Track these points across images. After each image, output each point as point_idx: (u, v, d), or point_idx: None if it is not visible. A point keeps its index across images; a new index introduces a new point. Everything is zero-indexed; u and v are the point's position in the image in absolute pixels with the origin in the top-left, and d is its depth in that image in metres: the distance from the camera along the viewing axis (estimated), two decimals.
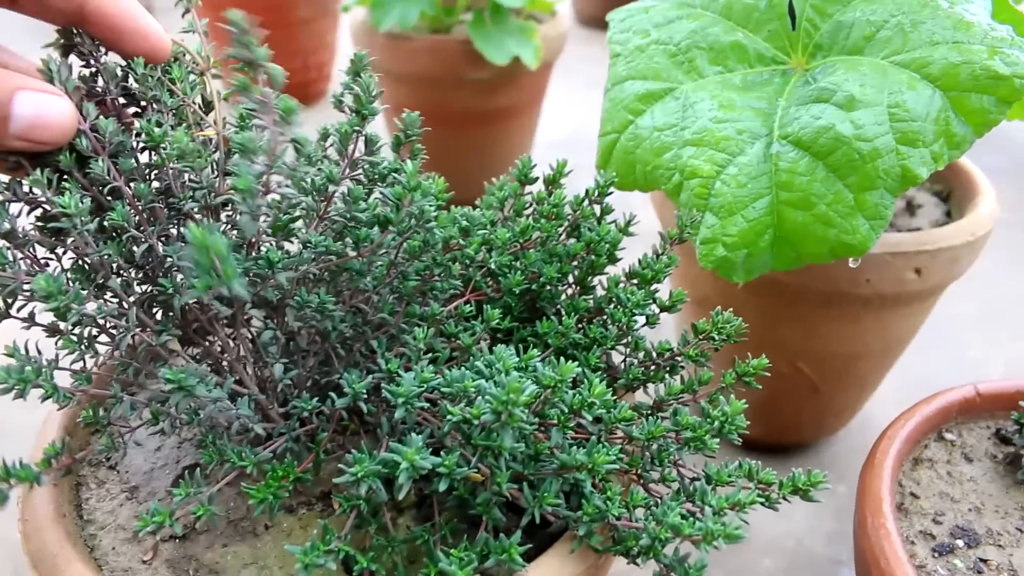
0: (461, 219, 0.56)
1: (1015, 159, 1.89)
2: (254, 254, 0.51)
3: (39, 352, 0.49)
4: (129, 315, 0.48)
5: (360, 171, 0.53)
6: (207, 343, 0.55)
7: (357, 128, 0.50)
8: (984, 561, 0.65)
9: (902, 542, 0.63)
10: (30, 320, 0.51)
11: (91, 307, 0.48)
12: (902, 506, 0.70)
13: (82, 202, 0.47)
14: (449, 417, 0.46)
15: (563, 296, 0.65)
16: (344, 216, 0.52)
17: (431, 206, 0.49)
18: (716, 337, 0.58)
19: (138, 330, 0.49)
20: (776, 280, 0.85)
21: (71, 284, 0.48)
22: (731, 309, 0.59)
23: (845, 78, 0.68)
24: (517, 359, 0.49)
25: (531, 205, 0.65)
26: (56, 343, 0.50)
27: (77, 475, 0.60)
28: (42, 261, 0.50)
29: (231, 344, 0.52)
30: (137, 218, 0.50)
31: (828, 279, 0.85)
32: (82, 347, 0.51)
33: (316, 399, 0.53)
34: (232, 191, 0.45)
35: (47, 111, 0.48)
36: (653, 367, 0.61)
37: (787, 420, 1.08)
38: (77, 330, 0.50)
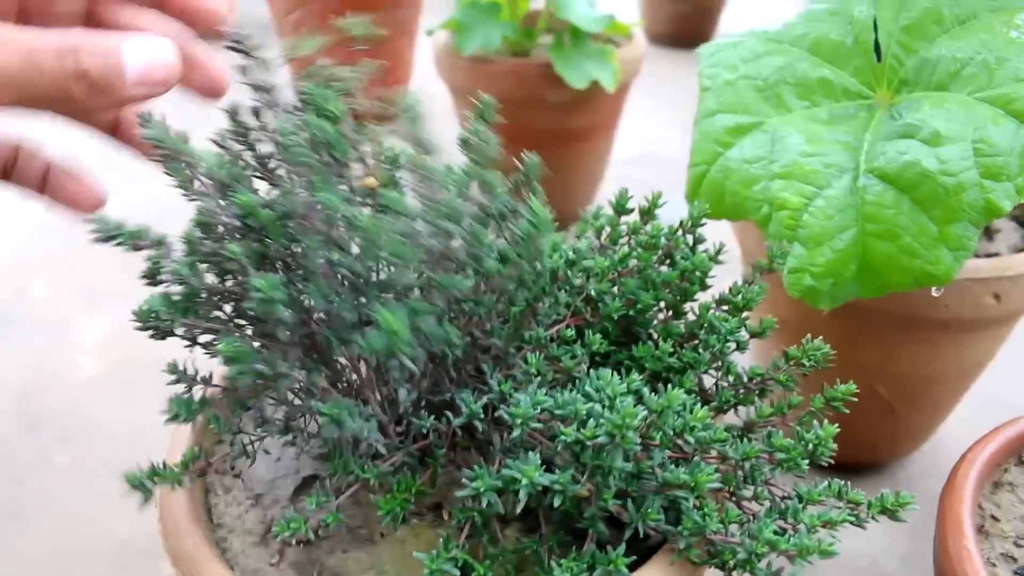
0: (568, 251, 0.60)
1: None
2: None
3: (196, 370, 0.54)
4: (290, 361, 0.52)
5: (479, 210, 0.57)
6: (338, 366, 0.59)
7: (480, 170, 0.54)
8: None
9: (983, 563, 0.65)
10: (192, 341, 0.54)
11: (261, 366, 0.51)
12: (982, 528, 0.72)
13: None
14: (563, 438, 0.50)
15: (655, 321, 0.68)
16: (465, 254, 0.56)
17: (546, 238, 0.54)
18: (806, 363, 0.61)
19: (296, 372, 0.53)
20: (856, 304, 0.87)
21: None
22: (811, 332, 0.62)
23: (931, 114, 0.71)
24: (622, 383, 0.53)
25: (628, 235, 0.69)
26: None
27: (206, 482, 0.65)
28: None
29: (362, 370, 0.56)
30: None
31: (908, 304, 0.87)
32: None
33: (432, 417, 0.57)
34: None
35: (155, 54, 0.50)
36: (743, 390, 0.64)
37: (862, 440, 1.10)
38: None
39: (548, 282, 0.59)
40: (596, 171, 1.65)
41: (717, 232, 0.70)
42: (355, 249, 0.52)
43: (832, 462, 0.57)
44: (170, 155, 0.50)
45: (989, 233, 1.02)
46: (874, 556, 1.04)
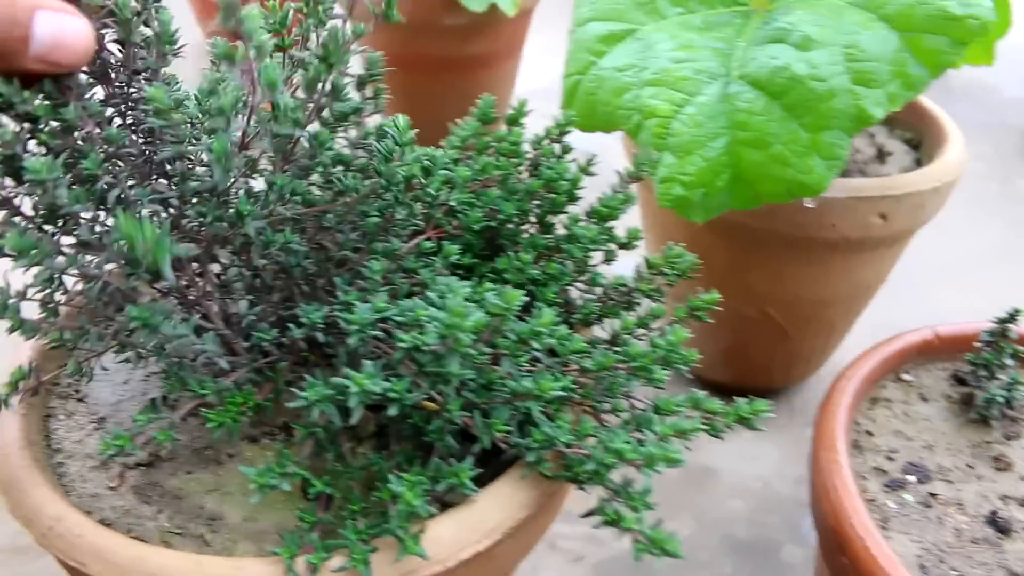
0: (424, 159, 0.57)
1: (992, 111, 1.89)
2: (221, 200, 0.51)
3: (7, 283, 0.50)
4: (99, 260, 0.49)
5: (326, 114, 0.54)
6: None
7: (324, 76, 0.50)
8: (933, 495, 0.67)
9: (854, 477, 0.65)
10: None
11: (61, 260, 0.47)
12: (857, 443, 0.71)
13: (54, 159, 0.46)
14: (401, 344, 0.47)
15: (523, 235, 0.66)
16: (309, 158, 0.53)
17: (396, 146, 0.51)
18: (669, 272, 0.59)
19: (108, 272, 0.49)
20: (743, 224, 0.86)
21: (40, 235, 0.47)
22: (697, 256, 0.61)
23: (802, 18, 0.69)
24: (470, 290, 0.51)
25: (492, 145, 0.66)
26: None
27: (46, 407, 0.61)
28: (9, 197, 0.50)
29: (197, 281, 0.53)
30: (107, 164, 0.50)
31: (794, 223, 0.86)
32: (51, 284, 0.51)
33: (277, 331, 0.54)
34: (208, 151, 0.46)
35: (67, 31, 0.45)
36: (610, 302, 0.62)
37: (756, 365, 1.10)
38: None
39: (402, 191, 0.56)
40: (499, 102, 1.62)
41: (607, 148, 0.68)
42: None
43: (717, 386, 0.55)
44: None
45: (881, 155, 1.01)
46: (767, 479, 1.04)
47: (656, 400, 0.55)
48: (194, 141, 0.52)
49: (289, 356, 0.56)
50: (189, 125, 0.53)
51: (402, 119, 0.50)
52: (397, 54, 0.53)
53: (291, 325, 0.53)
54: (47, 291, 0.51)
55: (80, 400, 0.62)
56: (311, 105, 0.50)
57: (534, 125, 0.64)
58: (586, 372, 0.55)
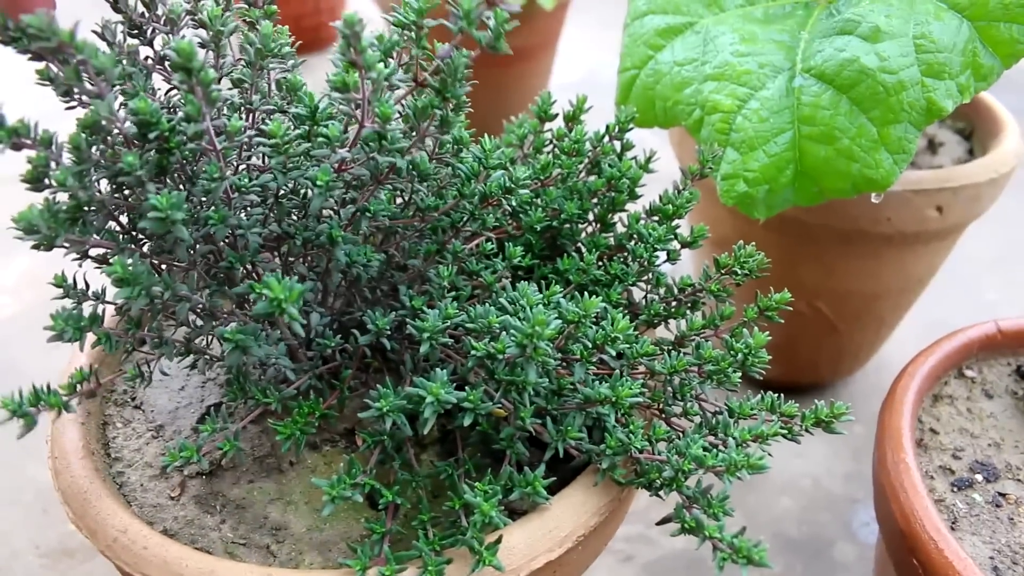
0: (505, 179, 0.55)
1: None
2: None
3: (87, 284, 0.49)
4: (189, 282, 0.47)
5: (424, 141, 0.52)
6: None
7: (439, 108, 0.49)
8: (1003, 495, 0.65)
9: (921, 477, 0.63)
10: (82, 255, 0.49)
11: (158, 289, 0.46)
12: (921, 442, 0.70)
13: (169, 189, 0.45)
14: (473, 352, 0.46)
15: (583, 234, 0.65)
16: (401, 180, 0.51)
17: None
18: (738, 272, 0.58)
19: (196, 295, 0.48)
20: (796, 218, 0.85)
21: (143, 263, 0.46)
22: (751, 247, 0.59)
23: (870, 9, 0.67)
24: (540, 295, 0.49)
25: (551, 142, 0.65)
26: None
27: (104, 414, 0.61)
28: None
29: None
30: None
31: (848, 217, 0.84)
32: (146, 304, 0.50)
33: (339, 337, 0.53)
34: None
35: None
36: (675, 303, 0.61)
37: (805, 360, 1.08)
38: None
39: (478, 208, 0.54)
40: (536, 92, 1.60)
41: (655, 145, 0.67)
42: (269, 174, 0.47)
43: (766, 383, 0.54)
44: (53, 49, 0.41)
45: (933, 146, 0.99)
46: (817, 476, 1.02)
47: (730, 403, 0.54)
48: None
49: (352, 363, 0.55)
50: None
51: (489, 141, 0.49)
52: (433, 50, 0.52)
53: (355, 331, 0.52)
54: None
55: (137, 407, 0.62)
56: (415, 133, 0.49)
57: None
58: (655, 375, 0.54)
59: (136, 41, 0.54)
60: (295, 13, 1.97)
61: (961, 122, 1.03)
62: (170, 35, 0.54)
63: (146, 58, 0.54)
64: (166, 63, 0.53)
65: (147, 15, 0.52)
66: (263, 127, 0.50)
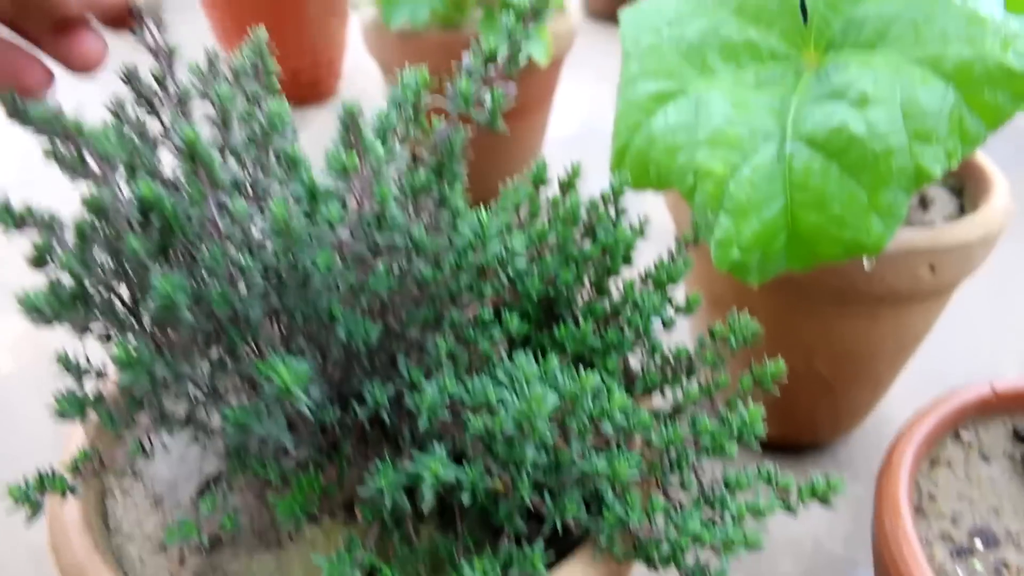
0: (503, 251, 0.56)
1: None
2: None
3: (88, 360, 0.49)
4: (191, 359, 0.48)
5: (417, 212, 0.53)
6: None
7: (436, 187, 0.50)
8: (1005, 564, 0.65)
9: (921, 544, 0.63)
10: (82, 328, 0.49)
11: (161, 369, 0.46)
12: (920, 508, 0.70)
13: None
14: (472, 428, 0.46)
15: (579, 299, 0.65)
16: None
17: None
18: (733, 341, 0.58)
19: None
20: (791, 278, 0.85)
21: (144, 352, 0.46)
22: (746, 308, 0.60)
23: (858, 75, 0.68)
24: (537, 368, 0.50)
25: (546, 209, 0.65)
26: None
27: (103, 485, 0.61)
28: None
29: None
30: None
31: (842, 277, 0.85)
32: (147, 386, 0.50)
33: (338, 408, 0.53)
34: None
35: None
36: (670, 371, 0.61)
37: (802, 419, 1.08)
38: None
39: (476, 279, 0.55)
40: (532, 148, 1.62)
41: (649, 203, 0.67)
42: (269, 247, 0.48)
43: (763, 442, 0.54)
44: (60, 136, 0.43)
45: (924, 202, 1.00)
46: (817, 537, 1.02)
47: (726, 475, 0.54)
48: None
49: (351, 434, 0.55)
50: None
51: (485, 214, 0.50)
52: (430, 105, 0.53)
53: (354, 403, 0.52)
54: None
55: (136, 478, 0.62)
56: (412, 210, 0.50)
57: (563, 171, 0.64)
58: (651, 446, 0.54)
59: (145, 115, 0.55)
60: (293, 67, 1.99)
61: (951, 178, 1.04)
62: (179, 111, 0.54)
63: (156, 134, 0.55)
64: (173, 138, 0.54)
65: (159, 93, 0.53)
66: (267, 206, 0.51)
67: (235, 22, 2.00)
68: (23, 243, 0.45)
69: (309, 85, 2.09)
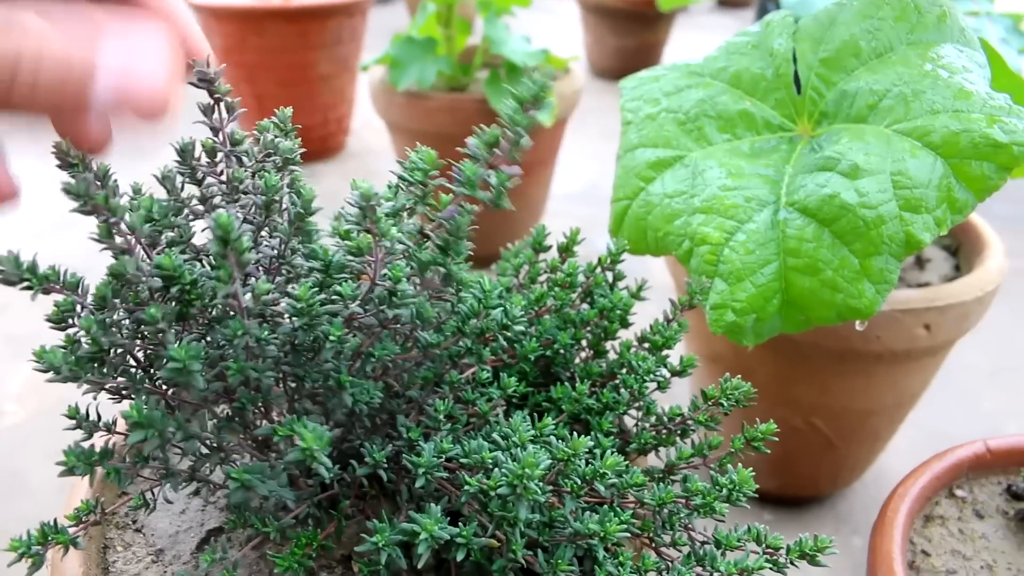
0: (503, 316, 0.57)
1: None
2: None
3: (99, 415, 0.51)
4: (200, 419, 0.50)
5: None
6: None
7: (442, 264, 0.51)
8: None
9: None
10: (97, 387, 0.50)
11: (172, 430, 0.47)
12: (913, 564, 0.70)
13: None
14: (467, 488, 0.48)
15: (576, 360, 0.67)
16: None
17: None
18: (725, 403, 0.60)
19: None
20: (789, 338, 0.87)
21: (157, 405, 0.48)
22: (744, 368, 0.61)
23: (849, 147, 0.70)
24: (532, 429, 0.51)
25: (545, 272, 0.67)
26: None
27: (104, 538, 0.62)
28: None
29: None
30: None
31: (839, 337, 0.86)
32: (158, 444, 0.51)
33: (337, 466, 0.55)
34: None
35: (133, 80, 0.41)
36: (664, 431, 0.62)
37: (803, 474, 1.09)
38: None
39: (475, 343, 0.57)
40: (537, 204, 1.64)
41: (651, 266, 0.69)
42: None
43: (764, 495, 0.55)
44: (92, 209, 0.45)
45: (920, 262, 1.02)
46: None
47: (717, 534, 0.55)
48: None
49: (350, 491, 0.57)
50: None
51: (488, 281, 0.52)
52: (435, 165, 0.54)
53: (354, 463, 0.54)
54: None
55: (138, 530, 0.63)
56: (419, 284, 0.51)
57: (567, 227, 0.66)
58: (644, 505, 0.55)
59: (194, 189, 0.57)
60: (305, 124, 2.01)
61: (947, 238, 1.05)
62: (226, 191, 0.57)
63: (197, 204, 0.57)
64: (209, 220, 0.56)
65: (208, 170, 0.56)
66: (289, 286, 0.53)
67: (250, 84, 2.03)
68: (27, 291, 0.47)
69: (319, 140, 2.13)
